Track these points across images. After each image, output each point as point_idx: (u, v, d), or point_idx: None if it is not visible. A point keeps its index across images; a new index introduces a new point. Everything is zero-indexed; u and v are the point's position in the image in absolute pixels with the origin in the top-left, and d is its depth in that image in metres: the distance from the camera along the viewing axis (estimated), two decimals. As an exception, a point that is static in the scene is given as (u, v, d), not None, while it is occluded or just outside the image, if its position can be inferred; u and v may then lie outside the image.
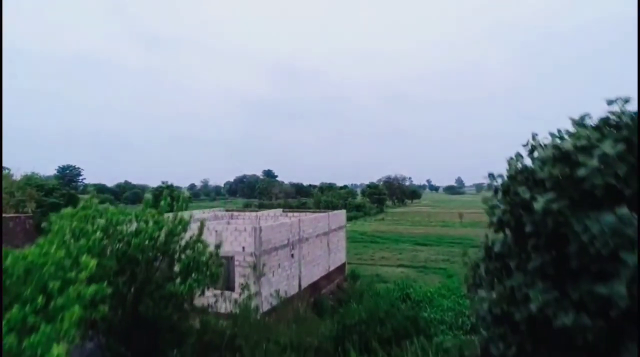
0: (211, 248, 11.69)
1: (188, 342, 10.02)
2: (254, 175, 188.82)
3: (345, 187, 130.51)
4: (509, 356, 7.53)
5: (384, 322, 11.81)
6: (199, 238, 11.33)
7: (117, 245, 9.92)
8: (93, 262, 6.52)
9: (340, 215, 32.74)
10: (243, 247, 20.57)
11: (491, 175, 7.88)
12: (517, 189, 6.95)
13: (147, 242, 10.37)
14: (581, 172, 5.95)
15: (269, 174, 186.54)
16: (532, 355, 7.13)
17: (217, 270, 11.31)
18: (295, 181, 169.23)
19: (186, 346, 9.86)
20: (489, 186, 7.93)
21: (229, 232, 20.82)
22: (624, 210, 5.35)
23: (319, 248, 28.29)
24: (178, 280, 10.77)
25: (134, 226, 10.37)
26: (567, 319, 5.88)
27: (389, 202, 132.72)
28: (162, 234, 10.44)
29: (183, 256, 10.97)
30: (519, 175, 7.08)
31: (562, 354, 6.64)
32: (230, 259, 20.54)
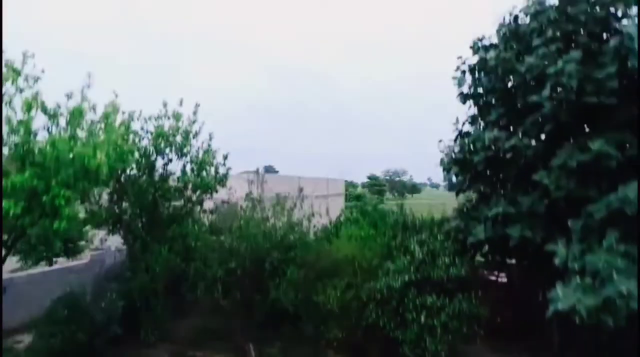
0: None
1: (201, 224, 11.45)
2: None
3: (345, 181, 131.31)
4: (474, 202, 8.98)
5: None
6: (209, 147, 12.71)
7: (138, 141, 11.26)
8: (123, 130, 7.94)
9: (339, 182, 34.13)
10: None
11: (459, 58, 9.29)
12: (477, 55, 8.38)
13: (163, 144, 11.75)
14: (523, 27, 7.38)
15: (270, 169, 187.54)
16: (489, 195, 8.55)
17: (225, 174, 12.74)
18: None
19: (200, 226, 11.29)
20: (457, 68, 9.33)
21: (233, 180, 22.14)
22: (550, 34, 6.76)
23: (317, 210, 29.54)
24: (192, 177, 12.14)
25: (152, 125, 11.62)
26: (514, 140, 7.30)
27: (389, 195, 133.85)
28: (179, 135, 11.80)
29: (195, 162, 12.33)
30: (477, 44, 8.50)
31: (512, 189, 8.05)
32: (235, 206, 21.84)
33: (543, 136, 7.32)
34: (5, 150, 7.03)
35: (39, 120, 7.64)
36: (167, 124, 11.70)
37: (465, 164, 8.43)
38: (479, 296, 8.42)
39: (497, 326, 11.21)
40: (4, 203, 6.49)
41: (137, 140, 11.54)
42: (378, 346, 9.14)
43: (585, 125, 6.91)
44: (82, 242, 18.89)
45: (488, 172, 8.18)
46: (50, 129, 7.54)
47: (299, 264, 9.64)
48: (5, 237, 8.03)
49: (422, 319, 7.77)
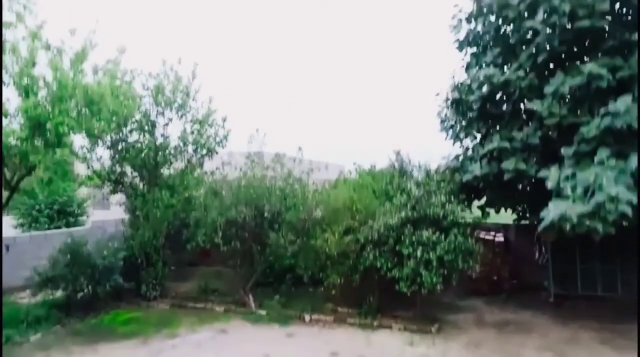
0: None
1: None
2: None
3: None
4: (469, 148, 9.10)
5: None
6: (208, 109, 12.85)
7: (139, 100, 11.40)
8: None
9: (339, 167, 34.21)
10: (248, 171, 21.96)
11: (456, 6, 9.43)
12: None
13: (164, 103, 11.89)
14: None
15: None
16: (484, 137, 8.68)
17: (225, 136, 12.88)
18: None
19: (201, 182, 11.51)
20: (453, 17, 9.47)
21: (236, 157, 22.18)
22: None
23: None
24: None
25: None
26: (508, 74, 7.42)
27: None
28: (179, 94, 11.94)
29: (195, 121, 12.48)
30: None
31: (506, 126, 8.17)
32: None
33: (537, 70, 7.42)
34: (11, 81, 7.16)
35: (43, 60, 7.80)
36: (166, 82, 11.84)
37: (461, 105, 8.55)
38: (474, 236, 8.52)
39: (494, 282, 11.40)
40: (8, 128, 6.63)
41: (138, 99, 11.69)
42: (376, 294, 9.25)
43: (578, 53, 7.02)
44: (83, 218, 19.16)
45: (481, 122, 8.30)
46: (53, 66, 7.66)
47: (298, 210, 9.75)
48: (8, 175, 8.17)
49: (419, 253, 7.86)
